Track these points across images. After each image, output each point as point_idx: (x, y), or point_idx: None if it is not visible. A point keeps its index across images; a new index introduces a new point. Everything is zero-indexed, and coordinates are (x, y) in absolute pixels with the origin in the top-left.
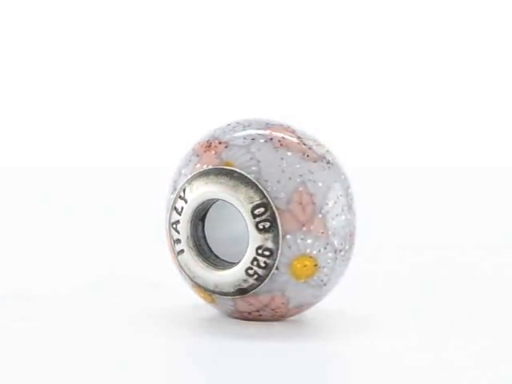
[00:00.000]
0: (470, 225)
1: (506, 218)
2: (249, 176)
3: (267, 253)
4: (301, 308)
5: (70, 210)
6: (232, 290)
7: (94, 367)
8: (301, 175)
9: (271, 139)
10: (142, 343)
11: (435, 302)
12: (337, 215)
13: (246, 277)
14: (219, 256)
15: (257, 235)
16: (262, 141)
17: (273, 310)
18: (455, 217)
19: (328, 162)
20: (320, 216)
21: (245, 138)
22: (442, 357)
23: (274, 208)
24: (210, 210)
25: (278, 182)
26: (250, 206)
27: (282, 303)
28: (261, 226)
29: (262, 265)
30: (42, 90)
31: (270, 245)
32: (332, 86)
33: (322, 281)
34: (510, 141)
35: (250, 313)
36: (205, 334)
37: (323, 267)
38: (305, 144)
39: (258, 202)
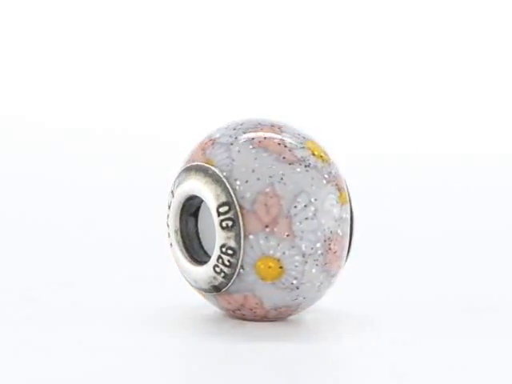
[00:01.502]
0: (469, 226)
1: (504, 208)
2: (220, 174)
3: (230, 251)
4: (280, 310)
5: (84, 206)
6: (207, 286)
7: (92, 366)
8: (270, 176)
9: (253, 139)
10: (142, 343)
11: (435, 302)
12: (306, 219)
13: (214, 274)
14: (209, 252)
15: (221, 233)
16: (243, 140)
17: (251, 309)
18: (454, 218)
19: (307, 166)
20: (286, 218)
21: (230, 137)
22: (440, 357)
23: (237, 207)
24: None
25: (247, 181)
26: (216, 203)
27: (256, 303)
28: (224, 225)
29: (227, 263)
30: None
31: (232, 243)
32: (343, 85)
33: (292, 284)
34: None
35: (233, 311)
36: (203, 334)
37: (290, 270)
38: (286, 146)
39: (224, 200)
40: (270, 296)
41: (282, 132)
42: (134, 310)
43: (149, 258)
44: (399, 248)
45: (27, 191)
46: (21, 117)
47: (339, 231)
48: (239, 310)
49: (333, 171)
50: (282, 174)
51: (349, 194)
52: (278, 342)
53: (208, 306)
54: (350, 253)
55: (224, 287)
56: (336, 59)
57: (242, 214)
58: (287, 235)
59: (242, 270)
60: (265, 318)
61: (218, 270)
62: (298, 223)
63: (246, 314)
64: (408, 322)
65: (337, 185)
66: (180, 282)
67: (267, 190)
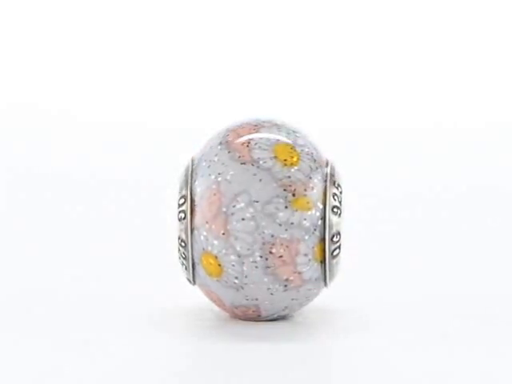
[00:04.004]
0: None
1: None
2: (189, 168)
3: (183, 244)
4: (241, 309)
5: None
6: (185, 277)
7: (96, 367)
8: (219, 173)
9: (227, 135)
10: (142, 343)
11: (433, 302)
12: (243, 219)
13: (181, 266)
14: None
15: (178, 225)
16: (219, 137)
17: (219, 305)
18: (454, 220)
19: (259, 167)
20: (223, 216)
21: (217, 133)
22: (438, 356)
23: (189, 201)
24: None
25: (202, 176)
26: (179, 196)
27: (219, 299)
28: (179, 217)
29: (183, 255)
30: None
31: (183, 236)
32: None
33: (234, 283)
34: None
35: (216, 305)
36: (203, 335)
37: (228, 269)
38: (248, 145)
39: (183, 193)
40: (223, 293)
41: (257, 132)
42: (135, 311)
43: (150, 258)
44: (398, 249)
45: (28, 187)
46: (23, 115)
47: (286, 236)
48: (215, 304)
49: (293, 177)
50: (230, 173)
51: (325, 201)
52: (277, 342)
53: (208, 307)
54: (336, 260)
55: (191, 279)
56: (344, 59)
57: (192, 208)
58: (223, 233)
59: (195, 264)
60: (237, 317)
61: (180, 261)
62: (234, 222)
63: (220, 309)
64: (406, 321)
65: (294, 190)
66: (181, 283)
67: (213, 186)
